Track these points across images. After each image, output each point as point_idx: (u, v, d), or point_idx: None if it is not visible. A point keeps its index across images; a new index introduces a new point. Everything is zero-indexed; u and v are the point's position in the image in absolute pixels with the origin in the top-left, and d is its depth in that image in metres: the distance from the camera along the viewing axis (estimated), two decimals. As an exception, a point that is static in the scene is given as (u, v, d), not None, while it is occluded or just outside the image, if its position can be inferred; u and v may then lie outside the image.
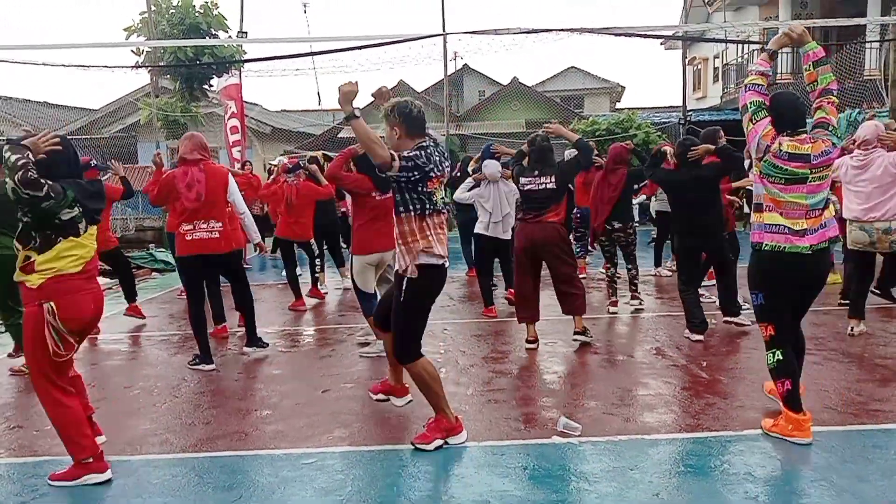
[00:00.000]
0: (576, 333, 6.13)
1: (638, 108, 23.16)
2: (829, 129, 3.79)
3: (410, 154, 3.76)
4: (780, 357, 3.93)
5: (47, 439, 4.26)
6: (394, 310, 3.96)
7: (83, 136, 19.97)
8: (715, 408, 4.43)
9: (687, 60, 21.06)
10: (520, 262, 6.15)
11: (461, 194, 7.81)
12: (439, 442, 3.93)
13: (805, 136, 3.80)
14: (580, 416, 4.33)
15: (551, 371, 5.48)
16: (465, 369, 5.52)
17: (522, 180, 6.08)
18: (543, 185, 5.99)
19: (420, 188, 3.82)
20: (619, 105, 30.88)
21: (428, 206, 3.87)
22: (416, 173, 3.77)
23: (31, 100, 22.19)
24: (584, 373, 5.41)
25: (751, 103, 3.85)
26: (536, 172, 6.02)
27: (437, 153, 3.90)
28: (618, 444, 3.93)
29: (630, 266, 7.73)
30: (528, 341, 6.09)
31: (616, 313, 7.43)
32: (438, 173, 3.89)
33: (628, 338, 6.49)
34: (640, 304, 7.68)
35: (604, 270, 8.14)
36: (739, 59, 22.22)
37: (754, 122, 3.82)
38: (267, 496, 3.42)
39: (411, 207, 3.84)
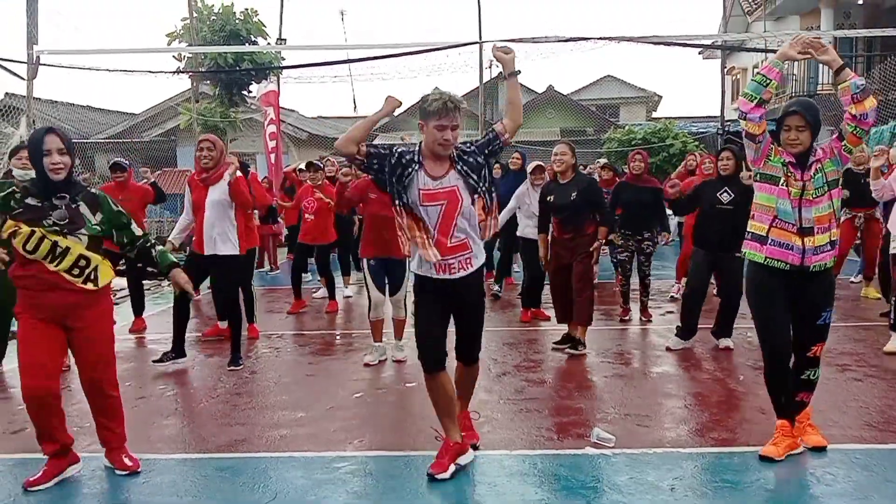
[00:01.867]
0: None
1: (675, 118, 22.97)
2: None
3: None
4: None
5: (87, 436, 4.35)
6: (473, 311, 3.81)
7: (124, 140, 20.40)
8: (751, 422, 4.36)
9: (726, 70, 20.82)
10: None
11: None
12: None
13: None
14: (614, 427, 4.30)
15: (584, 381, 5.44)
16: (498, 377, 5.51)
17: None
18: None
19: None
20: (655, 114, 30.63)
21: None
22: None
23: (75, 104, 22.69)
24: (618, 384, 5.36)
25: None
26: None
27: None
28: (652, 456, 3.88)
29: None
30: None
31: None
32: None
33: (663, 350, 6.41)
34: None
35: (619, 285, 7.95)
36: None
37: None
38: (300, 497, 3.44)
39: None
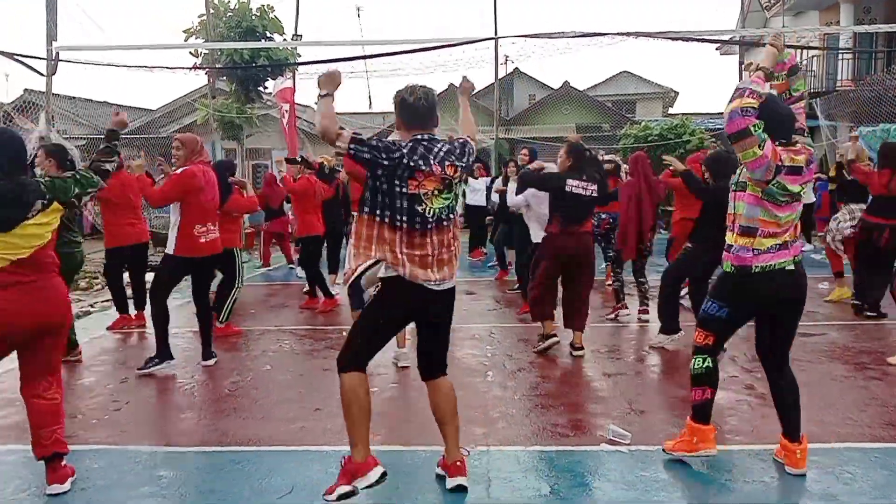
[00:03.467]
0: (578, 348, 6.01)
1: (691, 114, 22.80)
2: (805, 133, 3.61)
3: (374, 135, 3.26)
4: (710, 364, 3.71)
5: (104, 429, 4.40)
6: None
7: (141, 136, 20.54)
8: (771, 420, 4.30)
9: (743, 66, 20.64)
10: (554, 271, 6.11)
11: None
12: (344, 490, 3.20)
13: (799, 145, 3.51)
14: (629, 424, 4.29)
15: (599, 378, 5.43)
16: (513, 373, 5.51)
17: (570, 182, 5.93)
18: (591, 193, 5.97)
19: (393, 186, 3.19)
20: (671, 110, 30.40)
21: (399, 216, 3.19)
22: (382, 156, 3.14)
23: (93, 99, 22.81)
24: (634, 380, 5.35)
25: (755, 127, 3.33)
26: (585, 177, 5.97)
27: (439, 148, 3.30)
28: (669, 453, 3.87)
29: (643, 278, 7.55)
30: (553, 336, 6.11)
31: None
32: (426, 168, 3.21)
33: (680, 346, 6.38)
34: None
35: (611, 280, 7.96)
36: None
37: (762, 147, 3.34)
38: (316, 491, 3.45)
39: (376, 211, 3.25)
